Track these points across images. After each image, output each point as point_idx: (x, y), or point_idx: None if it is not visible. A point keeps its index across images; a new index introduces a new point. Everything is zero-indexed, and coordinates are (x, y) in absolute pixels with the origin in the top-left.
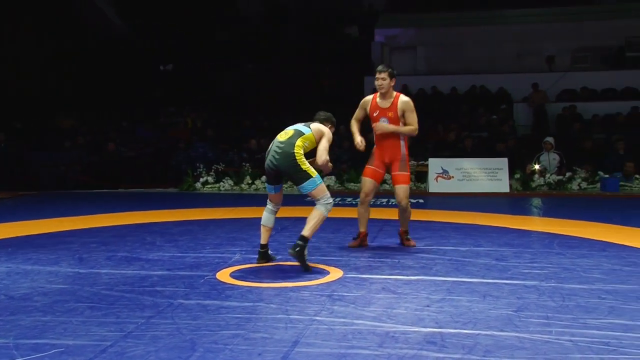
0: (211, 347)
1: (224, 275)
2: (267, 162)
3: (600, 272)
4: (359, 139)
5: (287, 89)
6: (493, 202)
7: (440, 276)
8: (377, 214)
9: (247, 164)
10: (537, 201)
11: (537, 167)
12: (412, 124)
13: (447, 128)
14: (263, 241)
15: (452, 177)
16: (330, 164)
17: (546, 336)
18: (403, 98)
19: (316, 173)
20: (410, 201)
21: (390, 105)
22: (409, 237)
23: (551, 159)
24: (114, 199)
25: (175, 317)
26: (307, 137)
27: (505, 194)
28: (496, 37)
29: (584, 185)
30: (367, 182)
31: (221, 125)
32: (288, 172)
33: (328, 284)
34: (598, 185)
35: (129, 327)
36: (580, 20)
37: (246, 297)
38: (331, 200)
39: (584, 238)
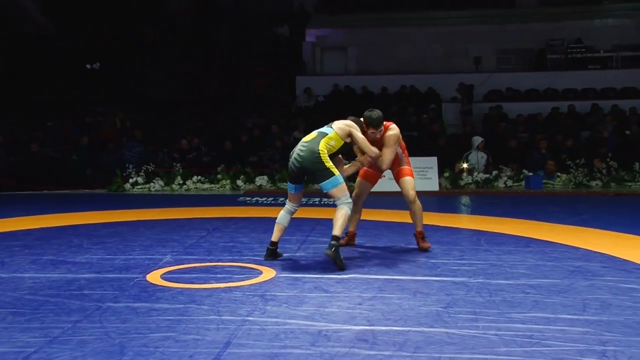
0: (141, 350)
1: (154, 277)
2: (292, 160)
3: (525, 268)
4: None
5: (218, 89)
6: (423, 201)
7: (372, 274)
8: (309, 213)
9: (178, 165)
10: (465, 199)
11: (465, 165)
12: (383, 155)
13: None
14: (274, 238)
15: (384, 176)
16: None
17: (473, 331)
18: (389, 132)
19: (338, 172)
20: (415, 194)
21: (380, 137)
22: (425, 238)
23: (479, 157)
24: (39, 201)
25: (103, 320)
26: (331, 136)
27: (434, 192)
28: (425, 38)
29: (509, 183)
30: (358, 183)
31: (151, 125)
32: (311, 169)
33: (260, 284)
34: (523, 183)
35: (55, 332)
36: (503, 23)
37: (177, 298)
38: (350, 199)
39: (509, 235)
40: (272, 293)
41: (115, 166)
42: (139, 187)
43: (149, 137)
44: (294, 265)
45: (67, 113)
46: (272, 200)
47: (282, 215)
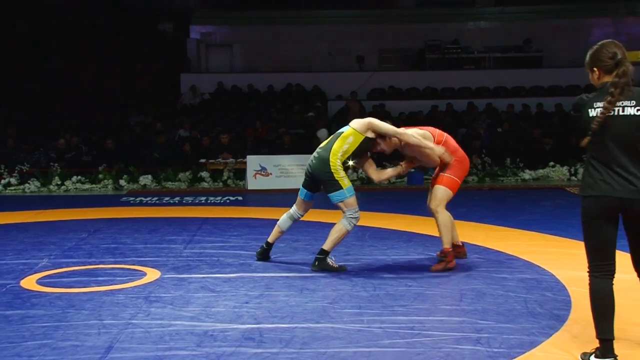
0: None
1: (29, 283)
2: (307, 167)
3: (407, 261)
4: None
5: (97, 86)
6: None
7: (259, 272)
8: (195, 212)
9: (56, 164)
10: None
11: (351, 162)
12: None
13: (264, 125)
14: (270, 240)
15: (271, 174)
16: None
17: (358, 325)
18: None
19: (348, 185)
20: (439, 203)
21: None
22: (444, 259)
23: None
24: None
25: None
26: (346, 134)
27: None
28: (309, 37)
29: (392, 179)
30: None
31: (25, 124)
32: (321, 178)
33: (144, 285)
34: (405, 179)
35: None
36: (385, 23)
37: (55, 304)
38: (358, 215)
39: (393, 230)
40: (157, 294)
41: None
42: (12, 188)
43: (23, 136)
44: (180, 266)
45: None
46: (157, 200)
47: (283, 220)
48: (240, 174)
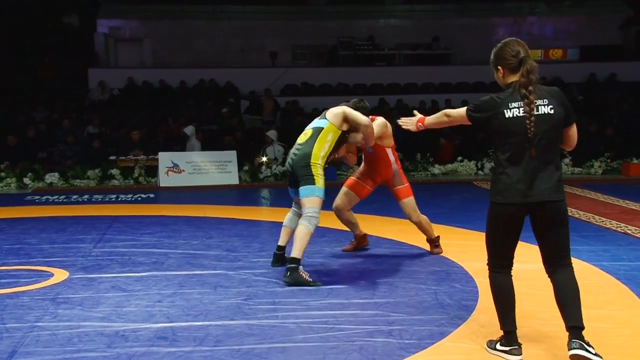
0: None
1: None
2: (286, 165)
3: (321, 257)
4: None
5: None
6: (223, 194)
7: (172, 270)
8: (105, 210)
9: None
10: (265, 192)
11: (264, 159)
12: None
13: (176, 121)
14: (281, 243)
15: (183, 170)
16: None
17: (273, 321)
18: (376, 121)
19: (322, 185)
20: (418, 214)
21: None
22: (437, 243)
23: (276, 151)
24: None
25: None
26: (326, 130)
27: (235, 185)
28: (222, 32)
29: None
30: (343, 193)
31: None
32: (298, 173)
33: (52, 286)
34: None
35: None
36: (297, 19)
37: None
38: (318, 215)
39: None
40: (65, 295)
41: None
42: None
43: None
44: (89, 265)
45: None
46: (64, 199)
47: (289, 218)
48: (152, 171)
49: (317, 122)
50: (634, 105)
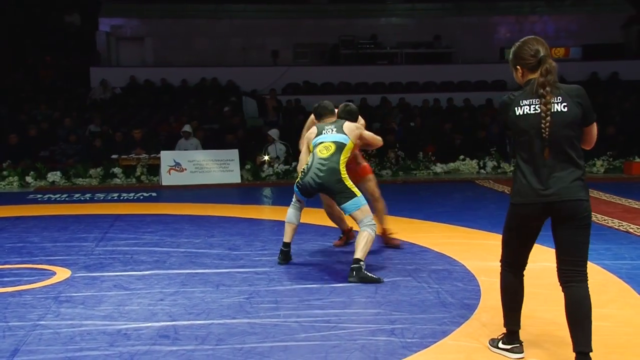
0: None
1: None
2: (308, 179)
3: (322, 255)
4: None
5: (1, 79)
6: (225, 193)
7: (174, 269)
8: (107, 209)
9: None
10: (267, 191)
11: (266, 157)
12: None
13: (178, 120)
14: (287, 239)
15: (185, 169)
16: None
17: (275, 320)
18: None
19: (359, 193)
20: None
21: None
22: (391, 233)
23: (278, 149)
24: None
25: None
26: (349, 147)
27: (237, 184)
28: (223, 31)
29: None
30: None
31: None
32: (332, 189)
33: (54, 285)
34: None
35: None
36: (298, 17)
37: None
38: (374, 221)
39: (310, 224)
40: (67, 294)
41: None
42: None
43: None
44: (91, 264)
45: None
46: (66, 197)
47: (291, 213)
48: (154, 169)
49: (337, 137)
50: (636, 103)
